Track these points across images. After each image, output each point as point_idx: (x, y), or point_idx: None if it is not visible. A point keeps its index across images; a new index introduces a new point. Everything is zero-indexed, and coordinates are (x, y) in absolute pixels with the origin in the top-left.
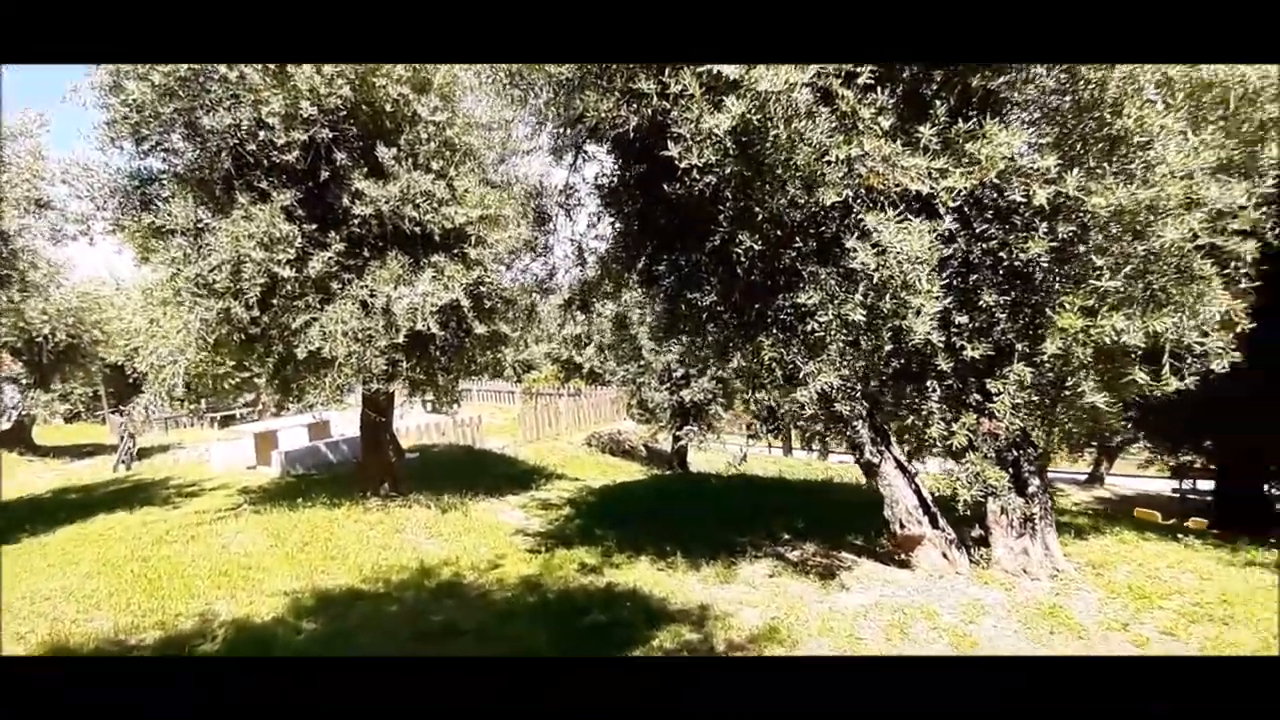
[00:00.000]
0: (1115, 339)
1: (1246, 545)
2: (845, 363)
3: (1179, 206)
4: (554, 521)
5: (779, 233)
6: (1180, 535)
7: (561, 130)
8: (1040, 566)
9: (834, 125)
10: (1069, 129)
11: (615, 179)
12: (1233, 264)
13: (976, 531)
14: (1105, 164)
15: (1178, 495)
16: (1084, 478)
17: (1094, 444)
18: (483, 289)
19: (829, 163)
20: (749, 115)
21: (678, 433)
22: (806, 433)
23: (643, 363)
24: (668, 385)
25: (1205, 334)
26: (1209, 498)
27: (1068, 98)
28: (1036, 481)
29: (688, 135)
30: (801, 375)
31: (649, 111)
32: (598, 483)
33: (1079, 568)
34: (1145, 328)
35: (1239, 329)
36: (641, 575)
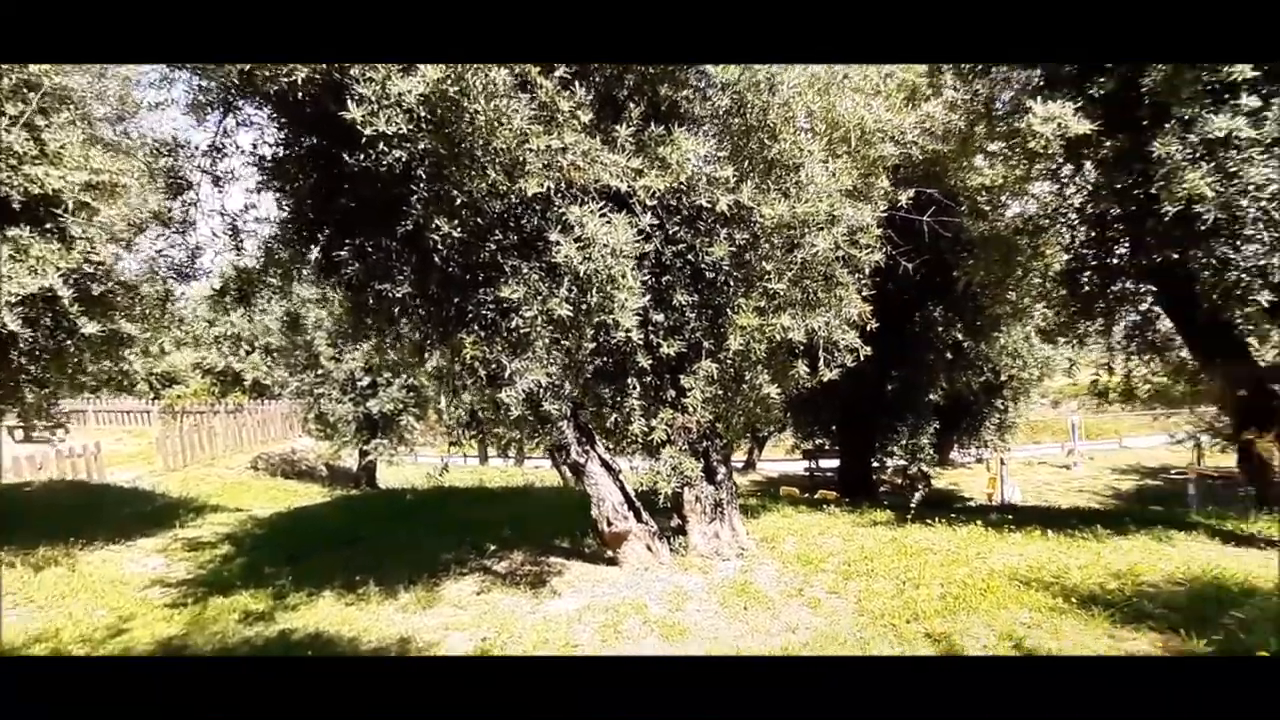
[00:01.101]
0: (784, 336)
1: (868, 508)
2: (552, 360)
3: (825, 222)
4: (207, 565)
5: (480, 221)
6: (824, 506)
7: (201, 80)
8: (730, 547)
9: (535, 113)
10: (740, 146)
11: (281, 148)
12: (860, 273)
13: (675, 521)
14: (768, 181)
15: (809, 474)
16: (741, 465)
17: (748, 433)
18: (91, 275)
19: (531, 151)
20: (445, 85)
21: (365, 448)
22: (503, 438)
23: (321, 371)
24: (351, 396)
25: (847, 331)
26: (830, 474)
27: (737, 119)
28: (723, 469)
29: (373, 98)
30: (507, 375)
31: (322, 64)
32: (266, 511)
33: (758, 544)
34: (805, 326)
35: (868, 328)
36: (326, 615)
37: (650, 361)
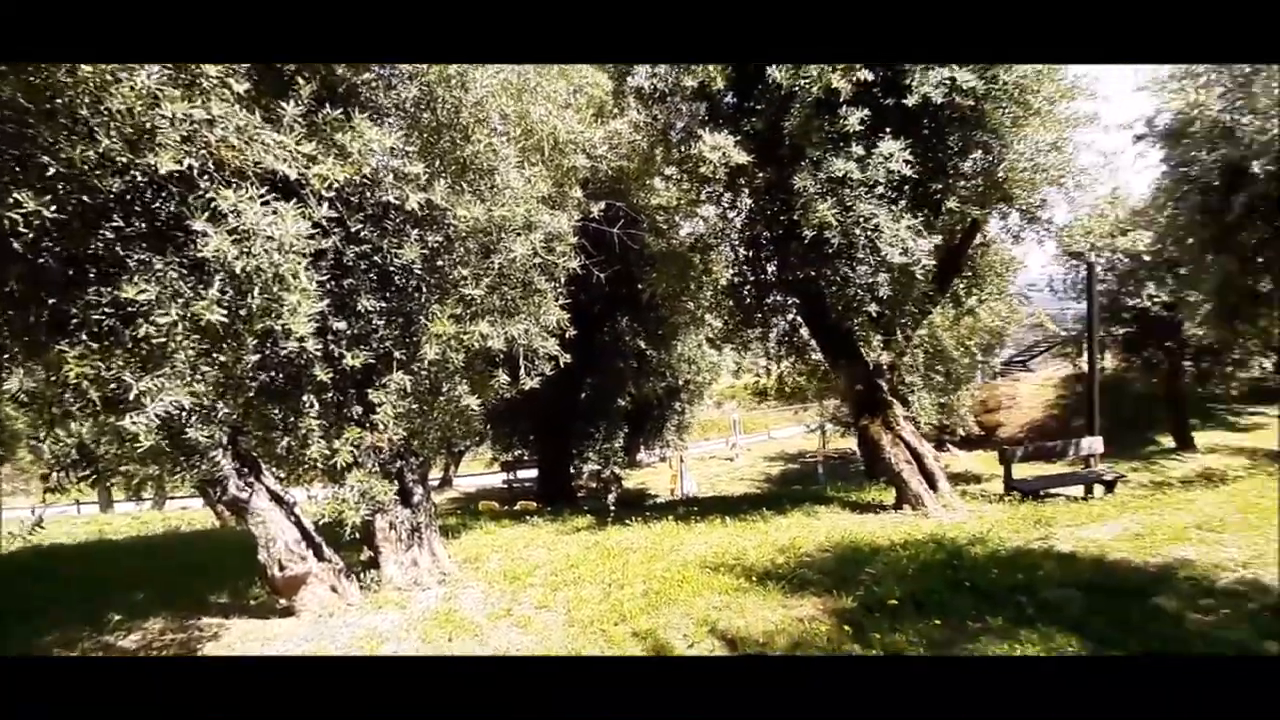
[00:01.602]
0: (482, 344)
1: (569, 515)
2: (199, 377)
3: (522, 227)
4: None
5: (88, 200)
6: (527, 517)
7: None
8: (430, 574)
9: (170, 71)
10: (431, 143)
11: None
12: (557, 281)
13: (366, 554)
14: (462, 182)
15: (508, 485)
16: (436, 482)
17: (444, 449)
18: None
19: (165, 118)
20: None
21: None
22: (133, 477)
23: None
24: None
25: (547, 338)
26: (529, 484)
27: (427, 113)
28: (420, 490)
29: None
30: (133, 396)
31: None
32: None
33: (461, 566)
34: (505, 333)
35: (566, 336)
36: None
37: (331, 375)
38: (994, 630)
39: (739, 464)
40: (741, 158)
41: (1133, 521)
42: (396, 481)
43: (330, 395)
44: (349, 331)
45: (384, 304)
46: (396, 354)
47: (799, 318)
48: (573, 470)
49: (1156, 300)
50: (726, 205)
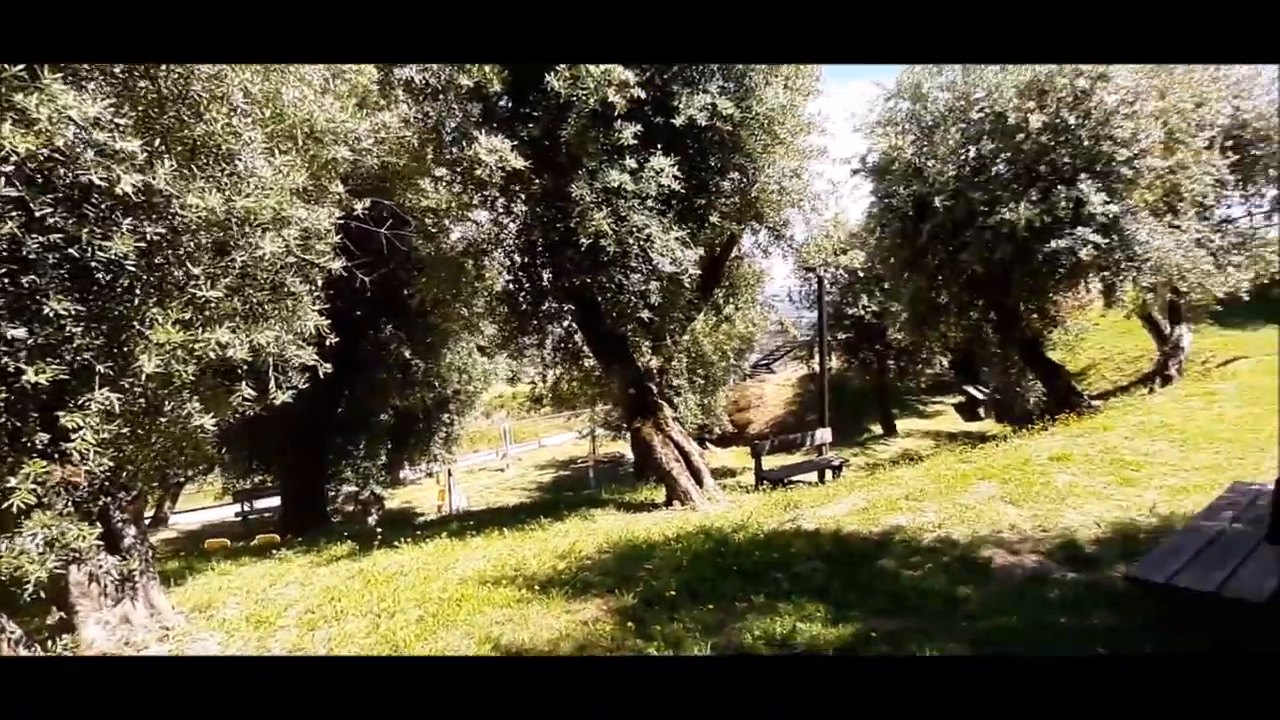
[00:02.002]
0: (220, 354)
1: (325, 543)
2: None
3: (271, 222)
4: None
5: None
6: (273, 551)
7: None
8: (148, 631)
9: None
10: (152, 117)
11: None
12: (314, 284)
13: (55, 616)
14: (193, 166)
15: (241, 518)
16: (148, 521)
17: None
18: None
19: None
20: None
21: None
22: None
23: None
24: None
25: (302, 346)
26: (268, 514)
27: (145, 81)
28: (133, 531)
29: None
30: None
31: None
32: None
33: (189, 617)
34: (250, 342)
35: (327, 344)
36: None
37: (5, 396)
38: (758, 608)
39: (510, 475)
40: (519, 163)
41: (859, 498)
42: (99, 523)
43: (4, 421)
44: (31, 341)
45: (82, 307)
46: (100, 367)
47: (574, 324)
48: (329, 493)
49: (869, 310)
50: (501, 210)
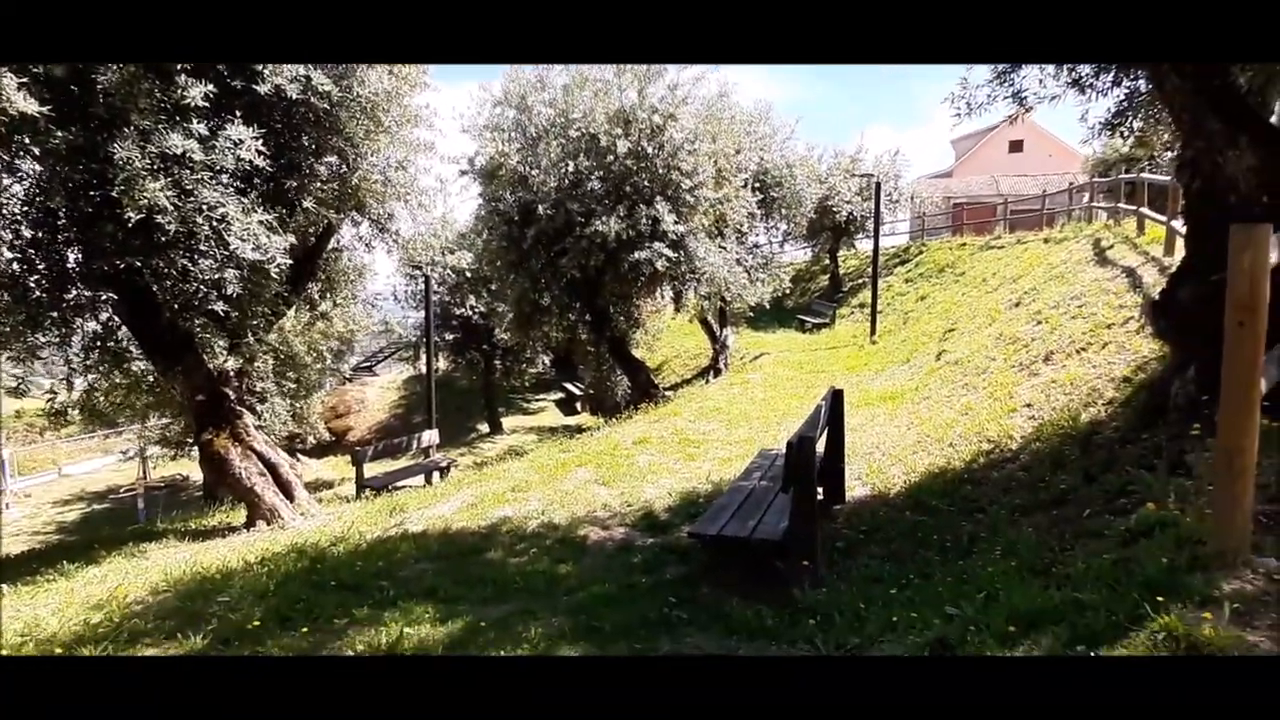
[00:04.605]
0: None
1: None
2: None
3: None
4: None
5: None
6: None
7: None
8: None
9: None
10: None
11: None
12: None
13: None
14: None
15: None
16: None
17: None
18: None
19: None
20: None
21: None
22: None
23: None
24: None
25: None
26: None
27: None
28: None
29: None
30: None
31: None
32: None
33: None
34: None
35: None
36: None
37: None
38: (360, 620)
39: (12, 516)
40: (29, 106)
41: (468, 494)
42: None
43: None
44: None
45: None
46: None
47: (116, 317)
48: None
49: (476, 310)
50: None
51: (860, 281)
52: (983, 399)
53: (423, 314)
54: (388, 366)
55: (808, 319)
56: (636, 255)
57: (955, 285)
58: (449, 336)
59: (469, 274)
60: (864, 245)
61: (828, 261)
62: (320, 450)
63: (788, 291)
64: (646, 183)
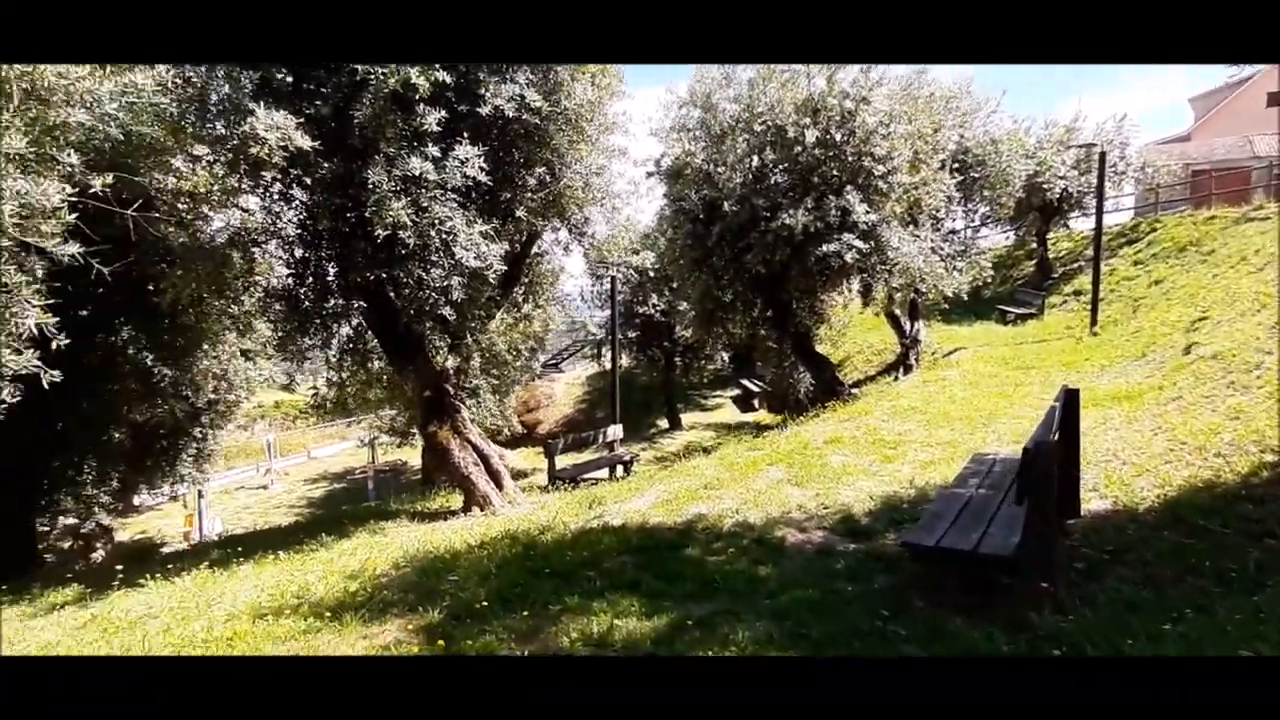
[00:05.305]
0: None
1: (40, 590)
2: None
3: None
4: None
5: None
6: None
7: None
8: None
9: None
10: None
11: None
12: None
13: None
14: None
15: None
16: None
17: None
18: None
19: None
20: None
21: None
22: None
23: None
24: None
25: (22, 351)
26: None
27: None
28: None
29: None
30: None
31: None
32: None
33: None
34: None
35: (54, 347)
36: None
37: None
38: (572, 609)
39: (275, 491)
40: (305, 142)
41: (662, 490)
42: None
43: None
44: None
45: None
46: None
47: (363, 323)
48: (41, 528)
49: (658, 308)
50: (277, 196)
51: (1075, 266)
52: (1259, 401)
53: (607, 313)
54: (572, 363)
55: (1010, 309)
56: (824, 248)
57: (1202, 266)
58: (631, 334)
59: (651, 273)
60: (1078, 225)
61: (1034, 245)
62: (513, 442)
63: (988, 281)
64: (835, 172)
